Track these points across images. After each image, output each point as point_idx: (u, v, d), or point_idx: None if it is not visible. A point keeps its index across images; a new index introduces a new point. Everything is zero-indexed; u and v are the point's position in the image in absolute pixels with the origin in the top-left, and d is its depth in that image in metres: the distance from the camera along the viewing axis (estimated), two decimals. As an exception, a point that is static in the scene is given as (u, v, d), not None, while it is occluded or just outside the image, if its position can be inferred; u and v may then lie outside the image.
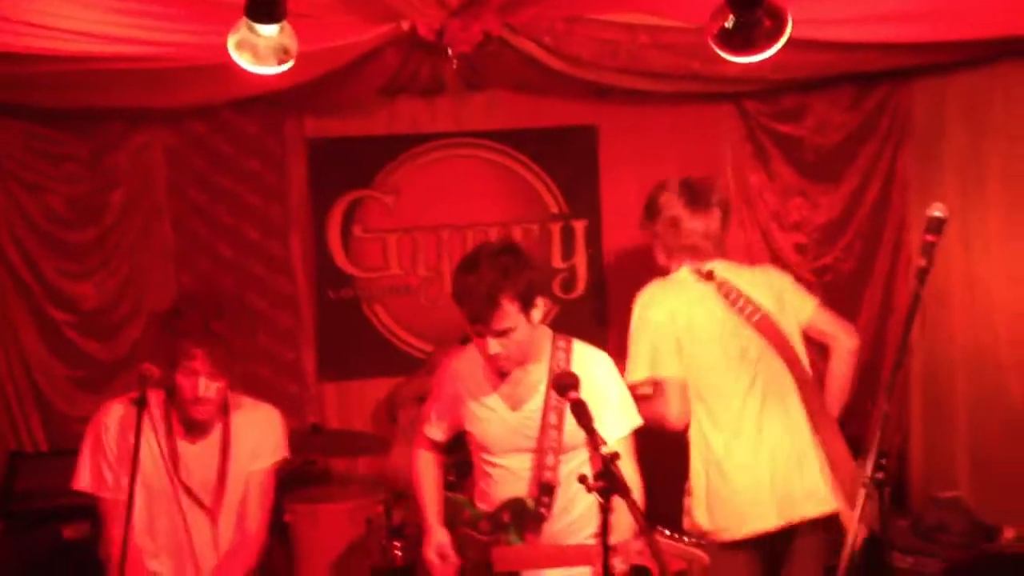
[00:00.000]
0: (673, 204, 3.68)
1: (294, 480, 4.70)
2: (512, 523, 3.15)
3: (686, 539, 2.89)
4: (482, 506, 3.29)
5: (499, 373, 3.15)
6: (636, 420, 3.19)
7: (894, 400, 2.70)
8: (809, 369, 3.65)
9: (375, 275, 5.34)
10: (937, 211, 2.75)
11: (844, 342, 3.72)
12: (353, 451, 5.03)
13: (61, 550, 4.32)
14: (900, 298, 5.16)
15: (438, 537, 3.26)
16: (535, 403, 3.14)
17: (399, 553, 4.23)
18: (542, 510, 3.11)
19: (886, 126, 5.16)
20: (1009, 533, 4.25)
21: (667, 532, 2.88)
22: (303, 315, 5.28)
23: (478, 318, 2.98)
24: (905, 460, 5.10)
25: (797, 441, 3.55)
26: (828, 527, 3.58)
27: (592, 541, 3.08)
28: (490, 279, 2.96)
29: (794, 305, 3.70)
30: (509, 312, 2.97)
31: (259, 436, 3.29)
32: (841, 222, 5.23)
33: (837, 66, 4.80)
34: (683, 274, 3.67)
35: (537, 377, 3.15)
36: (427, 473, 3.42)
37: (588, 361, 3.16)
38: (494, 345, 3.01)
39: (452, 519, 3.33)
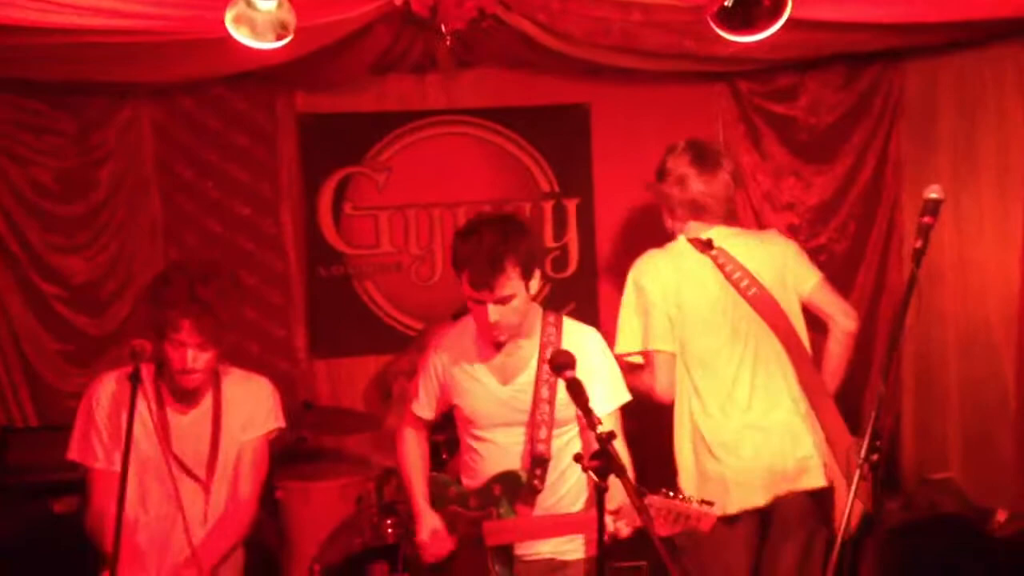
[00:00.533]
0: (680, 163, 3.69)
1: (285, 457, 4.70)
2: (503, 496, 3.14)
3: (693, 499, 2.86)
4: (468, 482, 3.29)
5: (494, 344, 3.14)
6: (624, 396, 3.20)
7: (889, 382, 2.69)
8: (807, 343, 3.64)
9: (366, 252, 5.32)
10: (934, 193, 2.77)
11: (842, 323, 3.71)
12: (344, 428, 5.02)
13: (51, 524, 4.30)
14: (893, 279, 5.18)
15: (430, 521, 3.26)
16: (526, 377, 3.14)
17: (390, 531, 4.23)
18: (535, 482, 3.11)
19: (879, 106, 5.16)
20: (1001, 515, 4.27)
21: (671, 494, 2.86)
22: (294, 292, 5.27)
23: (482, 282, 2.96)
24: (897, 441, 5.13)
25: (789, 417, 3.57)
26: (818, 500, 3.59)
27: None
28: (493, 242, 2.96)
29: (796, 276, 3.69)
30: (511, 277, 2.96)
31: (251, 406, 3.28)
32: (834, 202, 5.23)
33: (830, 46, 4.79)
34: (681, 243, 3.67)
35: (528, 352, 3.16)
36: (413, 453, 3.42)
37: (578, 336, 3.18)
38: (494, 312, 3.00)
39: (438, 498, 3.33)
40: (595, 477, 2.51)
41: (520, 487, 3.13)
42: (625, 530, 2.90)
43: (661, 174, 3.76)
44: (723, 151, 3.85)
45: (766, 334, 3.58)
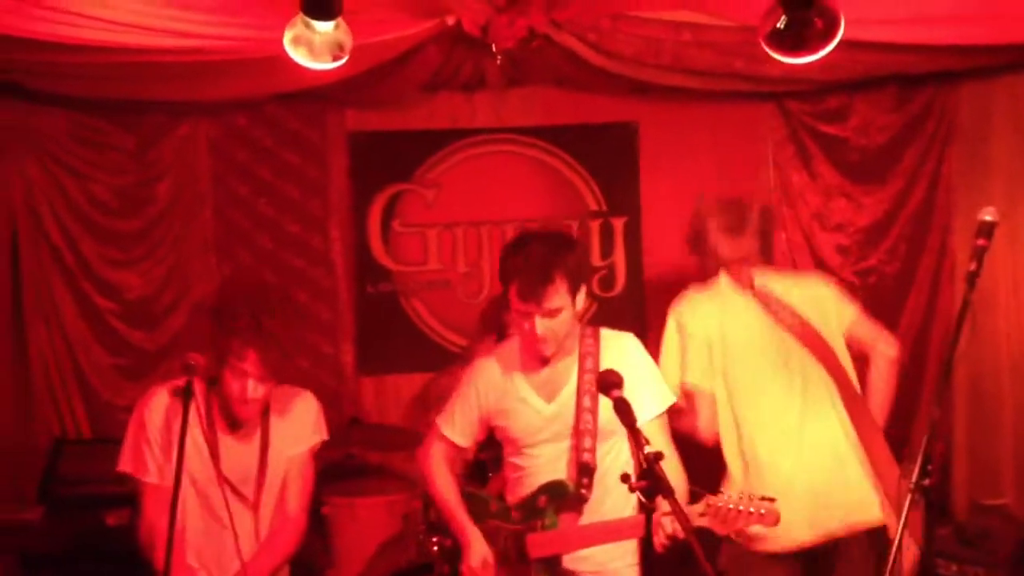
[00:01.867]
0: (709, 229, 3.68)
1: (332, 473, 4.72)
2: (549, 506, 3.09)
3: (753, 496, 2.80)
4: (511, 499, 3.23)
5: (540, 360, 3.12)
6: (670, 398, 3.18)
7: (942, 406, 2.66)
8: (855, 378, 3.60)
9: (414, 269, 5.36)
10: (988, 215, 2.73)
11: (884, 351, 3.64)
12: (391, 445, 5.03)
13: (103, 536, 4.35)
14: (944, 302, 5.12)
15: (480, 548, 3.15)
16: (568, 390, 3.12)
17: (436, 548, 4.23)
18: (582, 491, 3.06)
19: (932, 128, 5.12)
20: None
21: (730, 493, 2.82)
22: (342, 309, 5.31)
23: (530, 294, 2.95)
24: (949, 467, 5.05)
25: (840, 452, 3.49)
26: (873, 538, 3.51)
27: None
28: (543, 254, 2.96)
29: (836, 312, 3.64)
30: (560, 290, 2.96)
31: (297, 421, 3.27)
32: (884, 224, 5.19)
33: (882, 67, 4.76)
34: (722, 283, 3.64)
35: (567, 365, 3.15)
36: (444, 475, 3.32)
37: (616, 343, 3.17)
38: (541, 325, 2.99)
39: (477, 515, 3.25)
40: (643, 498, 2.48)
41: (566, 496, 3.08)
42: (681, 531, 2.77)
43: (692, 239, 3.77)
44: (747, 205, 3.79)
45: (814, 368, 3.53)
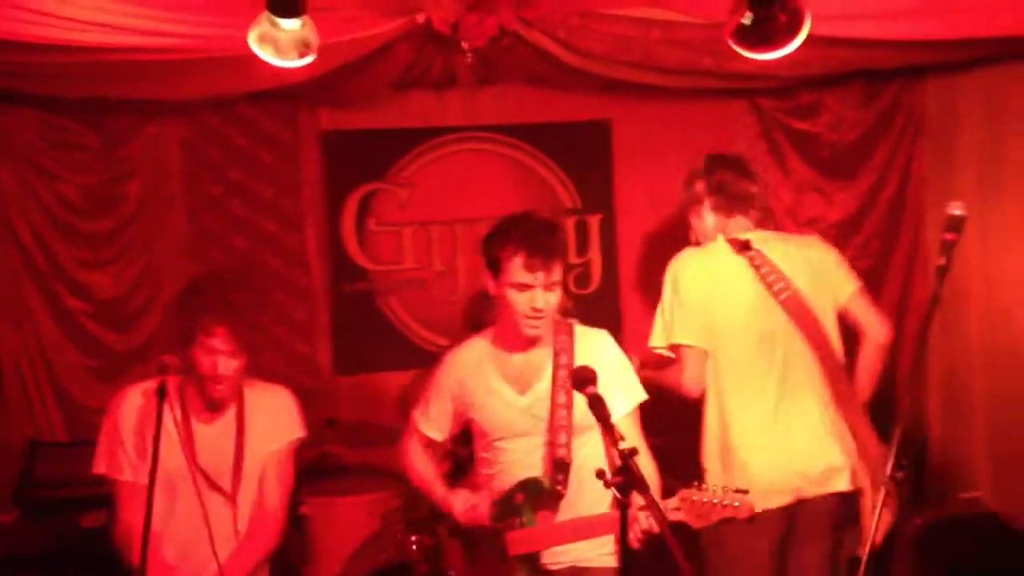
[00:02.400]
0: (716, 172, 3.74)
1: (310, 473, 4.71)
2: (525, 503, 3.10)
3: (727, 488, 2.82)
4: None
5: (526, 341, 3.12)
6: (641, 395, 3.21)
7: (913, 399, 2.70)
8: (839, 350, 3.64)
9: (389, 268, 5.35)
10: (957, 209, 2.76)
11: (876, 334, 3.70)
12: (369, 444, 5.02)
13: (78, 538, 4.33)
14: (917, 296, 5.17)
15: (460, 497, 3.22)
16: (543, 384, 3.13)
17: (415, 547, 4.24)
18: (558, 487, 3.07)
19: (901, 123, 5.16)
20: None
21: (703, 486, 2.84)
22: (317, 308, 5.29)
23: (540, 264, 2.98)
24: (923, 459, 5.09)
25: (817, 423, 3.56)
26: (846, 502, 3.59)
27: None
28: (544, 228, 3.06)
29: (833, 284, 3.69)
30: (561, 265, 3.04)
31: (273, 417, 3.29)
32: (856, 219, 5.23)
33: (850, 63, 4.79)
34: (719, 243, 3.66)
35: (541, 359, 3.17)
36: (422, 461, 3.38)
37: (590, 339, 3.20)
38: (541, 298, 3.01)
39: (454, 522, 3.30)
40: (618, 494, 2.50)
41: (543, 493, 3.09)
42: (656, 526, 2.78)
43: (699, 184, 3.79)
44: (748, 162, 3.90)
45: (797, 339, 3.57)
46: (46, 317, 4.97)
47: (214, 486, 3.17)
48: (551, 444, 3.10)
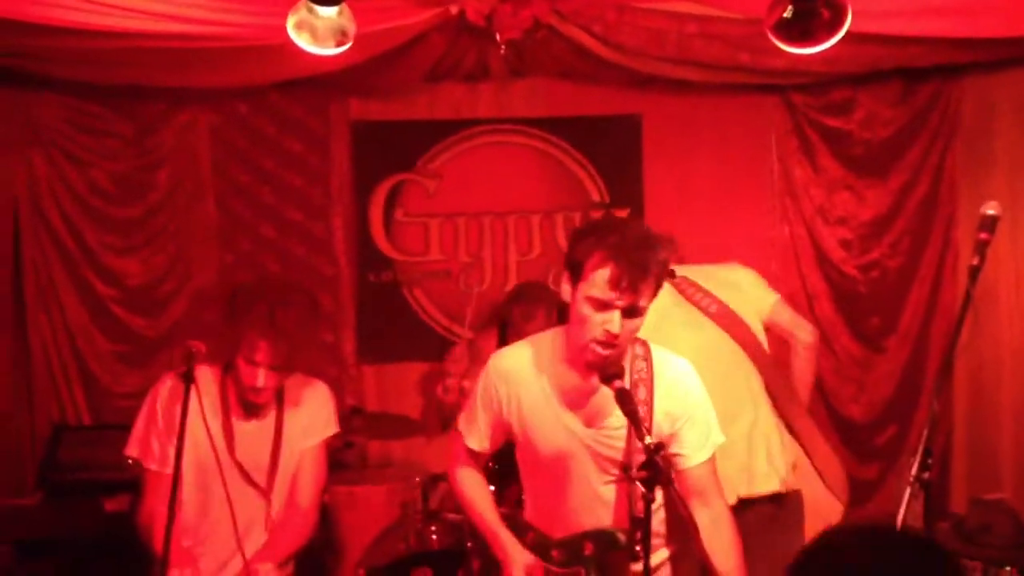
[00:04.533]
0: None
1: (333, 462, 4.72)
2: (595, 558, 2.74)
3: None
4: (548, 529, 2.85)
5: (588, 365, 2.62)
6: (720, 439, 2.79)
7: (941, 400, 2.66)
8: (769, 354, 3.65)
9: (416, 259, 5.35)
10: (991, 209, 2.73)
11: (803, 337, 3.77)
12: (391, 434, 5.05)
13: (101, 522, 4.35)
14: (946, 296, 5.12)
15: (521, 557, 2.80)
16: (617, 420, 2.63)
17: (435, 537, 4.24)
18: (636, 547, 2.61)
19: (936, 122, 5.10)
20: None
21: None
22: (343, 297, 5.30)
23: (627, 283, 2.49)
24: (948, 461, 5.05)
25: (750, 429, 3.52)
26: (781, 504, 3.53)
27: None
28: (645, 241, 2.57)
29: (754, 297, 3.71)
30: (651, 289, 2.57)
31: (311, 413, 3.29)
32: (888, 218, 5.18)
33: (886, 60, 4.75)
34: None
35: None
36: (475, 489, 2.98)
37: (672, 373, 2.75)
38: (620, 323, 2.53)
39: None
40: (643, 488, 2.42)
41: (616, 549, 2.72)
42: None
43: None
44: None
45: (731, 348, 3.56)
46: (75, 302, 5.01)
47: (250, 480, 3.17)
48: (627, 495, 2.69)
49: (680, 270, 3.61)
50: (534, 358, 2.79)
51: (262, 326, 2.98)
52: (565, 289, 2.65)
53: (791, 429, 3.62)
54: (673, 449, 2.71)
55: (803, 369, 3.80)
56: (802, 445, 3.62)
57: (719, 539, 2.64)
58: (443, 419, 4.99)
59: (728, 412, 3.47)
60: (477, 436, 2.90)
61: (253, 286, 3.22)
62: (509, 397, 2.80)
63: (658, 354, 2.76)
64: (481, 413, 2.87)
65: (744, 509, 3.48)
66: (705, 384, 3.07)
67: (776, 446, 3.56)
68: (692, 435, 2.71)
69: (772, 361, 3.63)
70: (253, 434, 3.17)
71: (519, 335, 4.73)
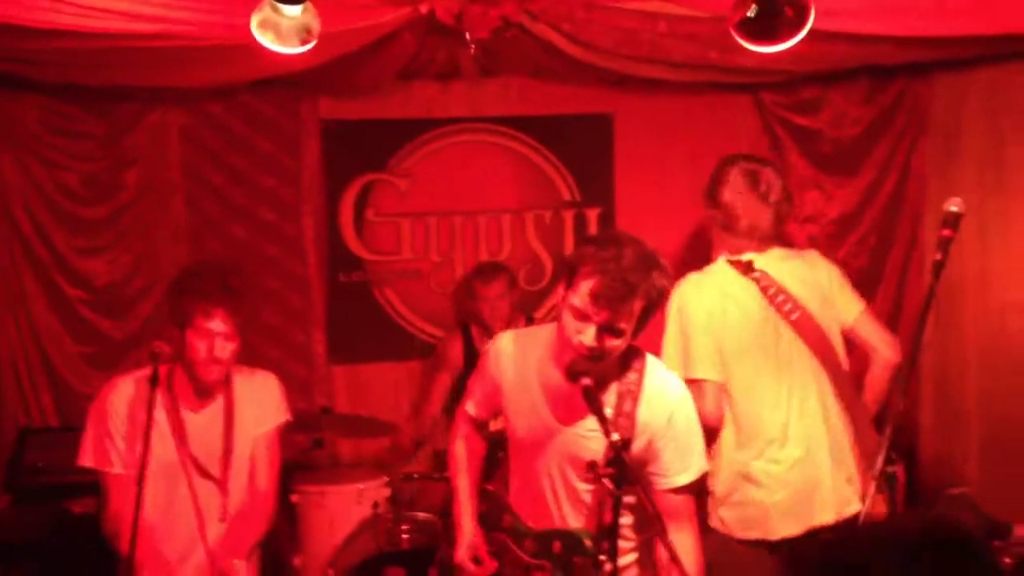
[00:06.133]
0: (735, 189, 3.54)
1: (302, 462, 4.72)
2: (562, 557, 2.76)
3: None
4: (526, 517, 2.91)
5: (566, 371, 2.64)
6: (704, 465, 2.81)
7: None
8: (846, 367, 3.55)
9: (387, 259, 5.34)
10: (954, 206, 2.75)
11: (885, 354, 3.56)
12: (361, 434, 5.03)
13: (68, 525, 4.32)
14: (913, 293, 5.15)
15: (470, 540, 2.94)
16: (592, 421, 2.60)
17: (406, 536, 4.24)
18: (600, 557, 2.67)
19: (903, 120, 5.14)
20: (1020, 531, 4.22)
21: None
22: (314, 297, 5.28)
23: (606, 302, 2.49)
24: (915, 456, 5.09)
25: (831, 447, 3.45)
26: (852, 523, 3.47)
27: None
28: (636, 263, 2.52)
29: (839, 304, 3.57)
30: (634, 312, 2.53)
31: (261, 401, 3.30)
32: (855, 216, 5.21)
33: (853, 58, 4.78)
34: (721, 266, 3.54)
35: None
36: (462, 455, 3.08)
37: (660, 390, 2.74)
38: (594, 337, 2.53)
39: (489, 521, 3.01)
40: (610, 484, 2.46)
41: (580, 554, 2.72)
42: None
43: (713, 198, 3.60)
44: (776, 169, 3.66)
45: (808, 360, 3.47)
46: (43, 306, 4.96)
47: (205, 473, 3.17)
48: (597, 502, 2.72)
49: (760, 260, 3.50)
50: (531, 347, 2.84)
51: (216, 293, 3.02)
52: (560, 288, 2.68)
53: (862, 449, 3.50)
54: (651, 468, 2.72)
55: (879, 385, 3.55)
56: (865, 458, 3.46)
57: (684, 558, 2.57)
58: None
59: (802, 433, 3.44)
60: (474, 401, 3.03)
61: (198, 264, 3.24)
62: (502, 376, 2.87)
63: (652, 369, 2.75)
64: (480, 381, 2.99)
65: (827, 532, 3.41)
66: (776, 401, 3.31)
67: (853, 466, 3.47)
68: (671, 457, 2.71)
69: (850, 380, 3.53)
70: (204, 426, 3.18)
71: (484, 303, 4.77)
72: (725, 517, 3.46)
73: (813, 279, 3.55)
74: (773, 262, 3.51)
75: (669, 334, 3.47)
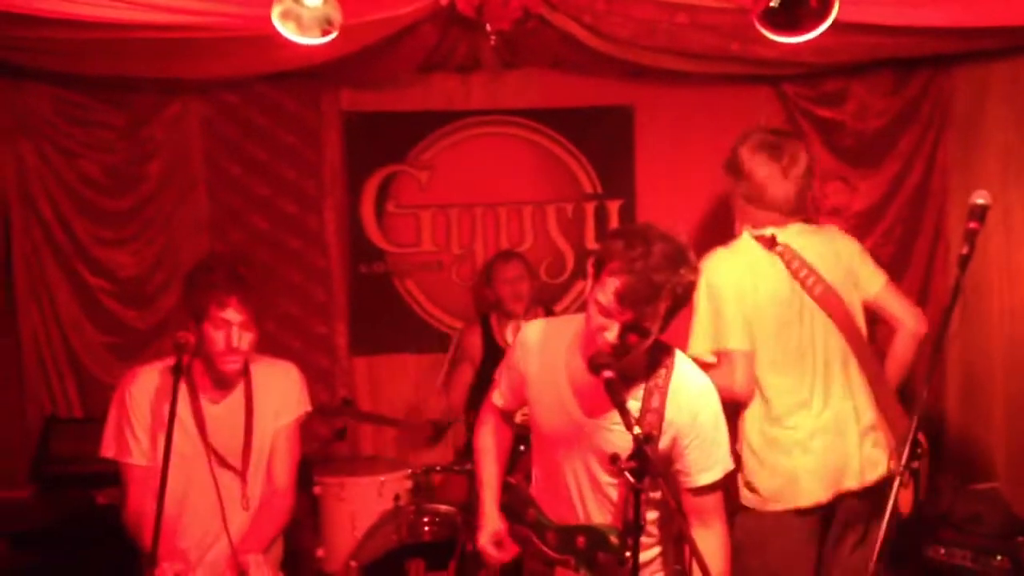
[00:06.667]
0: (757, 161, 3.52)
1: (324, 454, 4.73)
2: (586, 552, 2.75)
3: None
4: (550, 511, 2.89)
5: (589, 363, 2.58)
6: (729, 464, 2.78)
7: (931, 389, 2.65)
8: (869, 341, 3.56)
9: (407, 251, 5.35)
10: (980, 198, 2.72)
11: (911, 326, 3.57)
12: (382, 425, 5.05)
13: (93, 515, 4.35)
14: (938, 285, 5.13)
15: (493, 525, 2.96)
16: (617, 416, 2.52)
17: (427, 529, 4.24)
18: (627, 553, 2.61)
19: (927, 112, 5.10)
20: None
21: None
22: (335, 289, 5.29)
23: (630, 302, 2.46)
24: (940, 450, 5.06)
25: (856, 415, 3.48)
26: (879, 491, 3.41)
27: None
28: (664, 263, 2.47)
29: (862, 277, 3.59)
30: (658, 312, 2.49)
31: (281, 393, 3.29)
32: (880, 208, 5.17)
33: (878, 50, 4.73)
34: (746, 241, 3.55)
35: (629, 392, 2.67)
36: (487, 444, 3.07)
37: (690, 388, 2.71)
38: (616, 333, 2.50)
39: (512, 513, 3.00)
40: (631, 478, 2.43)
41: (605, 550, 2.71)
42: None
43: (735, 170, 3.58)
44: (799, 142, 3.64)
45: (833, 333, 3.49)
46: (66, 294, 5.00)
47: (225, 464, 3.17)
48: (623, 499, 2.68)
49: (783, 234, 3.49)
50: (558, 337, 2.80)
51: (228, 283, 3.01)
52: (588, 280, 2.65)
53: (887, 419, 3.53)
54: (676, 466, 2.73)
55: (903, 356, 3.57)
56: (894, 434, 3.51)
57: (708, 554, 2.52)
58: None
59: (826, 404, 3.46)
60: (500, 391, 3.00)
61: (207, 258, 3.24)
62: (528, 366, 2.85)
63: (681, 366, 2.73)
64: (507, 371, 2.96)
65: (855, 499, 3.46)
66: (801, 374, 3.33)
67: (886, 435, 3.51)
68: (697, 455, 2.70)
69: (872, 352, 3.54)
70: (224, 417, 3.17)
71: (503, 286, 4.78)
72: (755, 489, 3.47)
73: (834, 253, 3.55)
74: (794, 236, 3.51)
75: (699, 308, 3.47)
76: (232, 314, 3.03)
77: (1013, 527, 4.24)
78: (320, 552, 4.48)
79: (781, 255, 3.47)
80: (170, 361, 2.99)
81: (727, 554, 2.77)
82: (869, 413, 3.52)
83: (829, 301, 3.47)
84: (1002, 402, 4.88)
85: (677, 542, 2.83)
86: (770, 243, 3.49)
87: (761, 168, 3.51)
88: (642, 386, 2.68)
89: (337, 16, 3.32)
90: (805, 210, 3.60)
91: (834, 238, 3.66)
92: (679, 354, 2.76)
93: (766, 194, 3.51)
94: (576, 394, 2.73)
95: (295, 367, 3.38)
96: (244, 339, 3.07)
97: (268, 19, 3.41)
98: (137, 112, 5.05)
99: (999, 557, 4.09)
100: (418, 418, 5.03)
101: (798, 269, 3.46)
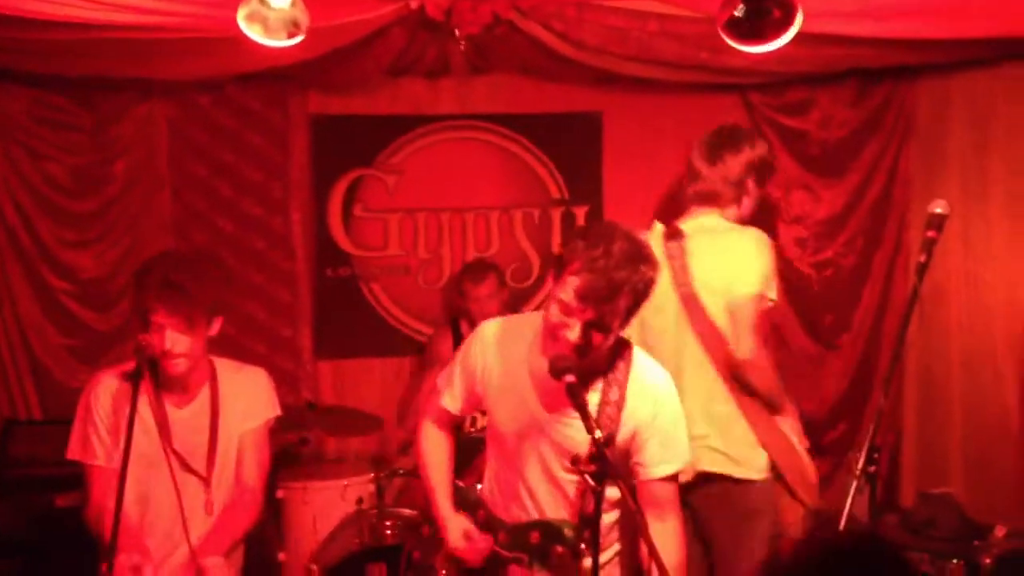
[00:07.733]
0: (694, 155, 3.59)
1: (287, 457, 4.71)
2: (540, 547, 2.74)
3: None
4: (497, 509, 2.89)
5: (550, 360, 2.55)
6: (687, 457, 2.80)
7: (889, 395, 2.69)
8: (727, 345, 3.44)
9: (374, 254, 5.34)
10: (938, 208, 2.77)
11: (733, 348, 3.44)
12: (347, 429, 5.03)
13: (53, 518, 4.31)
14: (898, 295, 5.18)
15: (457, 523, 2.88)
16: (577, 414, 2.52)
17: (389, 532, 4.24)
18: (582, 546, 2.64)
19: (890, 123, 5.16)
20: (1000, 531, 4.25)
21: None
22: (301, 292, 5.28)
23: (591, 300, 2.48)
24: (898, 456, 5.12)
25: (712, 409, 3.43)
26: (735, 485, 3.47)
27: None
28: (623, 261, 2.49)
29: (741, 282, 3.42)
30: (619, 309, 2.51)
31: (248, 397, 3.26)
32: (842, 217, 5.23)
33: (841, 61, 4.80)
34: (656, 231, 3.51)
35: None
36: (435, 451, 3.00)
37: (646, 380, 2.73)
38: (577, 331, 2.51)
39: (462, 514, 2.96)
40: (591, 480, 2.41)
41: (561, 544, 2.71)
42: None
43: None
44: (747, 140, 3.60)
45: (690, 334, 3.43)
46: (28, 296, 4.95)
47: (188, 468, 3.15)
48: (581, 492, 2.69)
49: (691, 230, 3.47)
50: (521, 335, 2.79)
51: (156, 289, 2.96)
52: (549, 278, 2.66)
53: (750, 423, 3.46)
54: (635, 459, 2.72)
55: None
56: (763, 442, 3.47)
57: (665, 550, 2.50)
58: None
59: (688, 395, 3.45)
60: (452, 396, 2.93)
61: (149, 259, 3.21)
62: (486, 366, 2.82)
63: (639, 360, 2.75)
64: (459, 374, 2.90)
65: (710, 480, 3.43)
66: (672, 361, 3.19)
67: (740, 432, 3.45)
68: (656, 448, 2.71)
69: (732, 356, 3.43)
70: (188, 421, 3.15)
71: (474, 303, 4.78)
72: None
73: (724, 255, 3.46)
74: (695, 232, 3.48)
75: None
76: (162, 318, 3.00)
77: (968, 531, 4.29)
78: (282, 556, 4.44)
79: (668, 250, 3.42)
80: (133, 364, 2.97)
81: (682, 547, 2.77)
82: (727, 414, 3.44)
83: (689, 304, 3.43)
84: (959, 408, 4.96)
85: (633, 539, 2.82)
86: (670, 235, 3.46)
87: (695, 161, 3.56)
88: (601, 379, 2.68)
89: (304, 19, 3.31)
90: (728, 205, 3.57)
91: (744, 236, 3.52)
92: (637, 349, 2.78)
93: (689, 185, 3.56)
94: (537, 389, 2.72)
95: (264, 372, 3.36)
96: (180, 343, 3.02)
97: (235, 20, 3.40)
98: (106, 112, 5.01)
99: (955, 561, 4.14)
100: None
101: (673, 266, 3.40)
